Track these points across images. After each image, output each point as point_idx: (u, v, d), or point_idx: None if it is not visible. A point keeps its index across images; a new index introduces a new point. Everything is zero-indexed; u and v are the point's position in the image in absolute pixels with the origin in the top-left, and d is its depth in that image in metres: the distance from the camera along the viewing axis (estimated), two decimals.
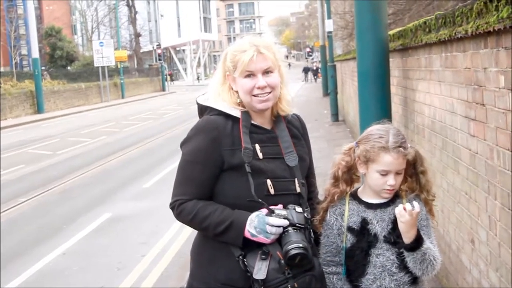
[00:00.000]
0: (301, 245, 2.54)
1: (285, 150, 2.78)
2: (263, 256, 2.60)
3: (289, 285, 2.57)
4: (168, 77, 72.58)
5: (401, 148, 2.66)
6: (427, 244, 2.64)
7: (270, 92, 2.72)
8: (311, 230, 2.75)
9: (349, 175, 2.82)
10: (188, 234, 8.36)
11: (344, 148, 2.85)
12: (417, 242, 2.60)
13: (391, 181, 2.66)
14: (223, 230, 2.65)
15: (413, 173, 2.78)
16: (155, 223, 9.35)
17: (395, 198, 2.76)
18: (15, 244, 8.69)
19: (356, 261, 2.73)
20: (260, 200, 2.63)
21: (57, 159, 17.13)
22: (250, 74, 2.71)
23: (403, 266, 2.68)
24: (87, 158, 16.80)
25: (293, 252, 2.53)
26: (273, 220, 2.58)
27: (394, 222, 2.66)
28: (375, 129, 2.77)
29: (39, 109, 35.76)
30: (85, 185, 13.01)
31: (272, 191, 2.69)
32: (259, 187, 2.66)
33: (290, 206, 2.66)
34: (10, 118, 32.52)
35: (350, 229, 2.74)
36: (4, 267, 7.61)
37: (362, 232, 2.72)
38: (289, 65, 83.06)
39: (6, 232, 9.31)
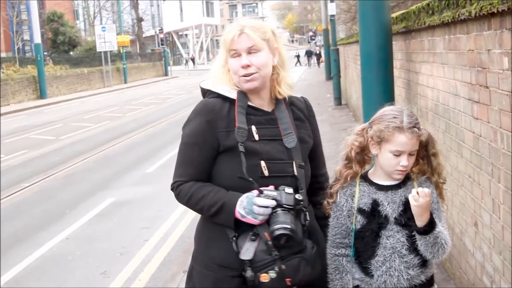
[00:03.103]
0: (287, 225, 2.51)
1: (284, 132, 2.76)
2: (253, 237, 2.61)
3: (275, 267, 2.55)
4: (191, 62, 75.28)
5: (415, 129, 2.65)
6: (439, 227, 2.63)
7: (255, 72, 2.70)
8: (307, 213, 2.70)
9: (362, 156, 2.80)
10: (191, 218, 8.36)
11: (356, 128, 2.83)
12: (430, 226, 2.59)
13: (404, 162, 2.64)
14: (216, 212, 2.67)
15: (425, 156, 2.76)
16: (158, 208, 9.36)
17: (406, 180, 2.74)
18: (18, 229, 8.70)
19: (365, 242, 2.71)
20: (250, 179, 2.62)
21: (60, 144, 17.14)
22: (236, 54, 2.73)
23: (413, 248, 2.66)
24: (90, 143, 16.80)
25: (277, 232, 2.52)
26: (260, 200, 2.57)
27: (405, 204, 2.65)
28: (389, 109, 2.75)
29: (41, 95, 35.74)
30: (88, 170, 13.02)
31: (266, 173, 2.68)
32: (253, 168, 2.66)
33: (281, 187, 2.63)
34: (13, 104, 32.51)
35: (360, 211, 2.72)
36: (7, 252, 7.63)
37: (373, 213, 2.70)
38: None
39: (9, 217, 9.33)
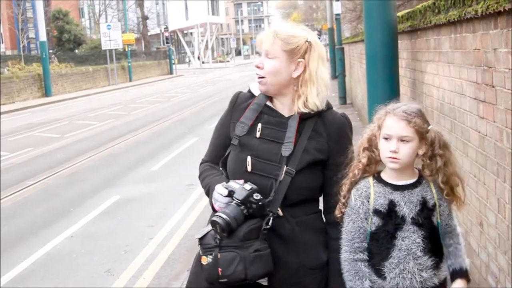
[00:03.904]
0: (224, 216, 2.57)
1: (286, 139, 2.76)
2: None
3: (213, 253, 2.61)
4: (195, 60, 77.33)
5: (404, 113, 2.61)
6: (468, 268, 2.75)
7: (264, 77, 2.76)
8: (271, 218, 2.68)
9: (369, 149, 2.76)
10: (196, 217, 8.38)
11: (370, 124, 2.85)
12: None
13: (392, 146, 2.60)
14: (206, 193, 2.90)
15: (432, 156, 2.72)
16: (163, 206, 9.37)
17: (421, 179, 2.72)
18: (22, 227, 8.73)
19: (380, 244, 2.68)
20: (220, 169, 2.86)
21: (64, 142, 17.17)
22: (260, 53, 2.85)
23: (427, 250, 2.64)
24: (94, 141, 16.83)
25: (212, 218, 2.61)
26: (218, 187, 2.71)
27: (423, 203, 2.64)
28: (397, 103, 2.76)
29: (46, 92, 35.80)
30: (92, 168, 13.04)
31: (249, 168, 2.75)
32: (240, 162, 2.78)
33: (246, 183, 2.67)
34: (18, 101, 32.60)
35: (376, 212, 2.68)
36: (11, 250, 7.65)
37: (389, 214, 2.66)
38: None
39: (14, 215, 9.36)
